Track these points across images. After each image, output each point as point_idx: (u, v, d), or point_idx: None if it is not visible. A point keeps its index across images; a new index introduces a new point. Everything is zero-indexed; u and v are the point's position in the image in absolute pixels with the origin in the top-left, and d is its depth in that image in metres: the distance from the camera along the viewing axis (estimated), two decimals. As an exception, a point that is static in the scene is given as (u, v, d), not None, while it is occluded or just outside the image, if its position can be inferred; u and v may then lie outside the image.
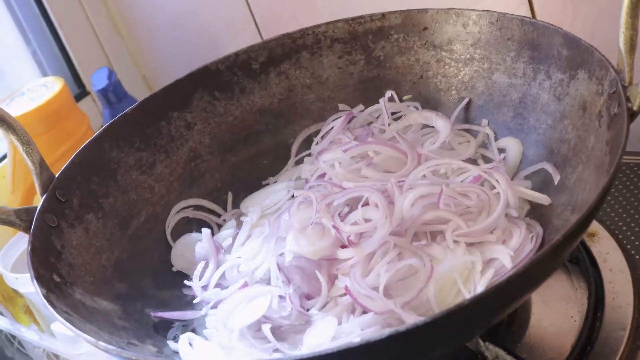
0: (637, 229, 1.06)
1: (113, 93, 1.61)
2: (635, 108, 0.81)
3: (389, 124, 1.08)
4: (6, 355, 1.62)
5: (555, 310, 0.94)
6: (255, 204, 1.08)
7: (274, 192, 1.09)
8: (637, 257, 1.02)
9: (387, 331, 0.65)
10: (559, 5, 1.24)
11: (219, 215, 1.11)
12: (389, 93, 1.11)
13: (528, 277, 0.71)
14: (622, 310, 0.90)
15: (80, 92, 1.78)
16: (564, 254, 0.76)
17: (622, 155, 0.76)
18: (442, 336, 0.71)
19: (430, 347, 0.72)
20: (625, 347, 0.86)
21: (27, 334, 1.44)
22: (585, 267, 0.96)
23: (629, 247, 1.02)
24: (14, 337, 1.57)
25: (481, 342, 0.83)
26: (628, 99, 0.81)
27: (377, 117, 1.11)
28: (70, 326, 0.79)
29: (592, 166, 0.85)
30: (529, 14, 1.28)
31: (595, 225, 1.02)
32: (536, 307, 0.95)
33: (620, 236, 1.01)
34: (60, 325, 0.89)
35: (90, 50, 1.80)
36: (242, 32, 1.57)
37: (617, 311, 0.90)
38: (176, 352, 0.90)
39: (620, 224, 1.08)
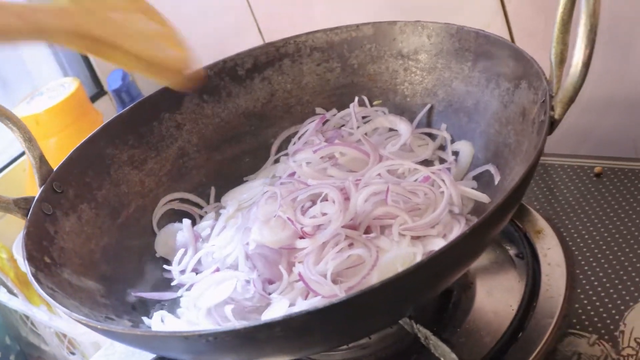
0: (580, 227, 1.15)
1: (127, 93, 1.73)
2: (556, 117, 0.90)
3: (357, 127, 1.17)
4: (20, 334, 1.74)
5: (496, 300, 1.02)
6: (233, 198, 1.18)
7: (252, 188, 1.18)
8: (576, 253, 1.10)
9: (310, 304, 0.75)
10: (533, 14, 1.33)
11: (201, 208, 1.21)
12: (359, 98, 1.20)
13: (443, 261, 0.79)
14: (554, 300, 0.98)
15: (98, 91, 1.89)
16: (478, 241, 0.84)
17: (537, 158, 0.85)
18: (366, 312, 0.79)
19: (356, 321, 0.81)
20: (551, 332, 0.94)
21: (38, 314, 1.56)
22: (527, 262, 1.05)
23: (570, 243, 1.11)
24: (27, 317, 1.68)
25: (414, 324, 0.92)
26: (552, 108, 0.90)
27: (348, 121, 1.20)
28: (51, 300, 0.90)
29: (524, 168, 0.94)
30: (504, 24, 1.36)
31: (542, 223, 1.10)
32: (479, 296, 1.04)
33: (564, 234, 1.10)
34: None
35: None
36: (246, 37, 1.68)
37: (550, 301, 0.98)
38: (149, 327, 1.00)
39: (566, 222, 1.16)
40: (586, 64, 0.86)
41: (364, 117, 1.19)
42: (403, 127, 1.15)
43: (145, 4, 0.96)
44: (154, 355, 0.99)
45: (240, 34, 1.71)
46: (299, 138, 1.21)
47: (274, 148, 1.23)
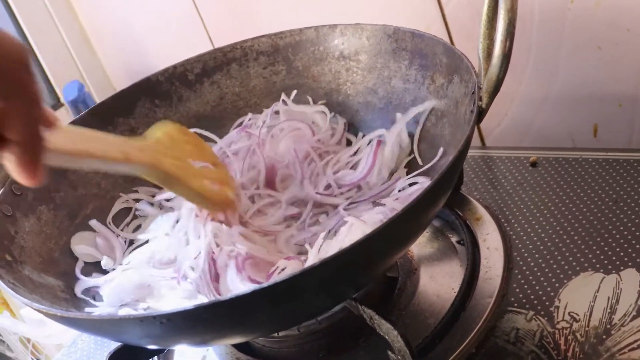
0: (517, 213, 1.21)
1: (83, 104, 1.76)
2: (483, 106, 0.95)
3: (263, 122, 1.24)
4: (-15, 343, 1.76)
5: (439, 284, 1.08)
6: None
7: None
8: (514, 237, 1.16)
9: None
10: (469, 18, 1.38)
11: (160, 208, 1.25)
12: (283, 95, 1.27)
13: (376, 243, 0.83)
14: (492, 282, 1.03)
15: (55, 103, 1.92)
16: (411, 224, 0.88)
17: (465, 144, 0.90)
18: (307, 293, 0.84)
19: (297, 302, 0.85)
20: (490, 311, 0.99)
21: (1, 320, 1.59)
22: (468, 247, 1.11)
23: (508, 228, 1.17)
24: (-7, 327, 1.71)
25: (359, 306, 0.97)
26: (480, 98, 0.96)
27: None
28: (14, 293, 0.94)
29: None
30: (443, 27, 1.42)
31: (481, 211, 1.15)
32: (423, 281, 1.09)
33: (502, 220, 1.16)
34: (29, 310, 1.04)
35: (63, 64, 1.93)
36: (199, 45, 1.73)
37: (489, 282, 1.03)
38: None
39: (504, 210, 1.22)
40: (507, 56, 0.92)
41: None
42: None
43: (210, 153, 1.14)
44: (113, 352, 1.03)
45: (193, 43, 1.76)
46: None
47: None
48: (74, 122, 1.23)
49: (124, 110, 1.27)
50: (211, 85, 1.30)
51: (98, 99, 1.92)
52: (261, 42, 1.28)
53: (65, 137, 0.86)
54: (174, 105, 1.29)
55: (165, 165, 0.98)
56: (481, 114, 0.95)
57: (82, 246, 1.15)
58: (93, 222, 1.18)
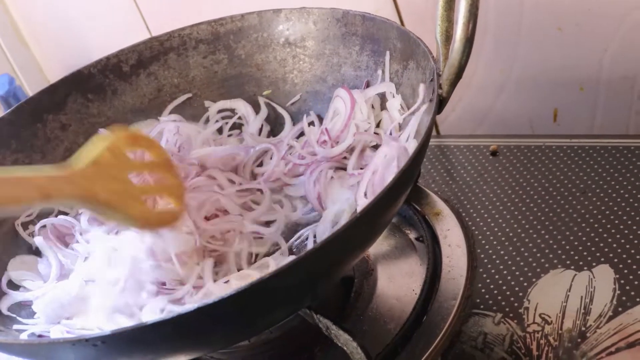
0: (479, 206, 1.14)
1: (14, 98, 1.67)
2: (444, 95, 0.88)
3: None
4: None
5: (398, 285, 1.01)
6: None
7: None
8: (477, 232, 1.09)
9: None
10: (420, 0, 1.32)
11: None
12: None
13: (335, 247, 0.76)
14: (456, 282, 0.96)
15: (-16, 98, 1.83)
16: (372, 224, 0.81)
17: (427, 136, 0.83)
18: (260, 304, 0.77)
19: (250, 315, 0.79)
20: (455, 314, 0.92)
21: None
22: (427, 244, 1.04)
23: (470, 223, 1.10)
24: None
25: (314, 315, 0.89)
26: (440, 86, 0.88)
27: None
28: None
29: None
30: (394, 9, 1.35)
31: (440, 205, 1.09)
32: (381, 282, 1.02)
33: (464, 214, 1.09)
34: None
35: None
36: (135, 35, 1.64)
37: (452, 282, 0.96)
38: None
39: (465, 203, 1.16)
40: (470, 40, 0.84)
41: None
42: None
43: (161, 153, 1.03)
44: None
45: (129, 32, 1.67)
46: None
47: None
48: (1, 118, 1.14)
49: (54, 106, 1.18)
50: (148, 77, 1.21)
51: (31, 92, 1.82)
52: (200, 30, 1.20)
53: None
54: (108, 99, 1.20)
55: (99, 195, 0.88)
56: (442, 102, 0.89)
57: (21, 272, 1.05)
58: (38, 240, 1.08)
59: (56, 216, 1.10)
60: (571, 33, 1.24)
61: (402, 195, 0.85)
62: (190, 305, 0.87)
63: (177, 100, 1.20)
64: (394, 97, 1.03)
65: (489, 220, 1.11)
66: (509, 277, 1.02)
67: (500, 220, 1.11)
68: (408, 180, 0.86)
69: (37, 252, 1.08)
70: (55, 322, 0.96)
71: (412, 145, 0.89)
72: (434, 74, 0.89)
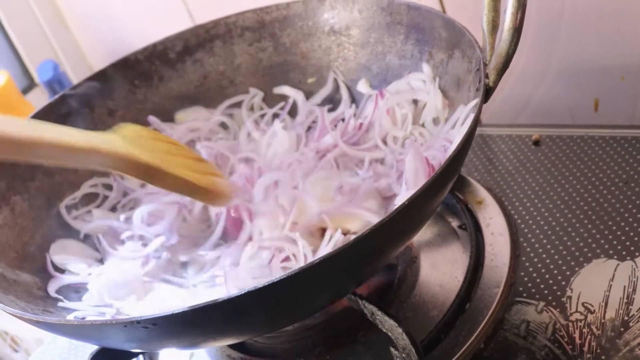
0: (521, 195, 1.14)
1: (59, 84, 1.69)
2: (491, 84, 0.89)
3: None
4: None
5: (441, 273, 1.02)
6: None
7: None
8: (519, 221, 1.10)
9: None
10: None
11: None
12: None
13: (383, 235, 0.77)
14: (499, 270, 0.97)
15: (29, 84, 1.85)
16: (418, 212, 0.82)
17: (473, 127, 0.84)
18: (308, 289, 0.78)
19: (297, 299, 0.80)
20: (498, 302, 0.93)
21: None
22: (470, 232, 1.05)
23: (512, 212, 1.11)
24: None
25: (360, 301, 0.91)
26: (487, 76, 0.89)
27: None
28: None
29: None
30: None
31: (483, 193, 1.09)
32: (424, 270, 1.03)
33: (506, 202, 1.09)
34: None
35: (37, 43, 1.85)
36: (178, 22, 1.65)
37: (495, 270, 0.97)
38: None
39: (507, 191, 1.16)
40: (518, 30, 0.85)
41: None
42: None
43: (187, 149, 1.05)
44: (94, 348, 0.96)
45: (171, 19, 1.69)
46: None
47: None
48: (49, 104, 1.16)
49: (101, 92, 1.19)
50: (194, 64, 1.22)
51: (74, 78, 1.84)
52: (246, 18, 1.21)
53: (22, 126, 0.82)
54: (154, 85, 1.22)
55: (142, 156, 0.90)
56: (488, 92, 0.89)
57: (63, 256, 1.07)
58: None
59: (99, 206, 1.13)
60: (612, 21, 1.23)
61: (449, 182, 0.86)
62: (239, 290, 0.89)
63: (233, 99, 1.22)
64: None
65: (532, 209, 1.12)
66: (551, 266, 1.02)
67: (542, 210, 1.11)
68: (457, 167, 0.86)
69: (76, 236, 1.10)
70: (107, 305, 0.98)
71: (462, 132, 0.89)
72: (480, 63, 0.90)
